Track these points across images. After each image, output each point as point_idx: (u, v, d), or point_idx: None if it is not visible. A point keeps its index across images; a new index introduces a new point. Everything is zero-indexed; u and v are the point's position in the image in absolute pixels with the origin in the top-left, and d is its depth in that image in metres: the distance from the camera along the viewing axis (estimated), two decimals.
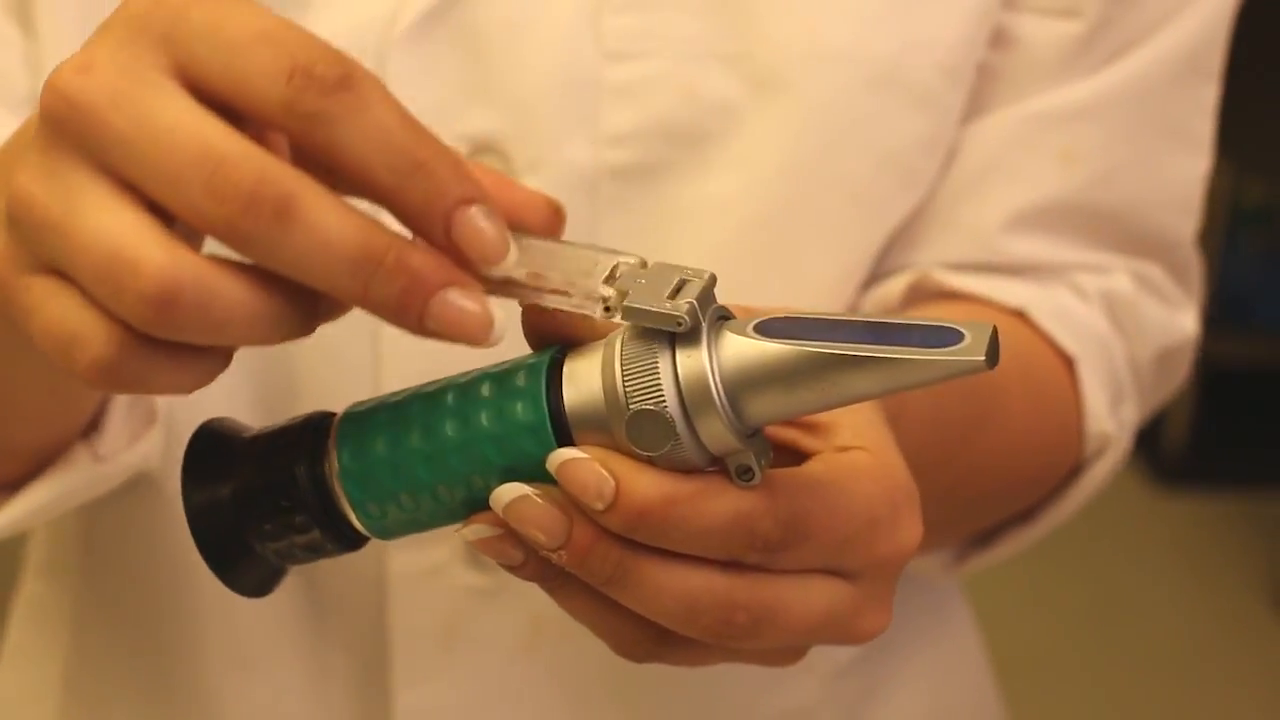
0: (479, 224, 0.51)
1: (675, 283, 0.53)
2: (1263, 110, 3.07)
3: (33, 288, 0.51)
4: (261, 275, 0.50)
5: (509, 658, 0.83)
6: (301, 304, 0.51)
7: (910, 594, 0.88)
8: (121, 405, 0.75)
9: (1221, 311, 3.40)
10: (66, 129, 0.49)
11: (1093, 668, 2.82)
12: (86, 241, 0.49)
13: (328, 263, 0.49)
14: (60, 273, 0.50)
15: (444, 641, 0.82)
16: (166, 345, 0.50)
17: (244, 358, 0.78)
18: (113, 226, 0.49)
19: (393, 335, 0.77)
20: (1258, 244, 3.46)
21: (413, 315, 0.50)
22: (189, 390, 0.52)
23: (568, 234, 0.77)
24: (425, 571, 0.82)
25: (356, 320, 0.78)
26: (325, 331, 0.78)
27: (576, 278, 0.54)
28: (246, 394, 0.80)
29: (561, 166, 0.77)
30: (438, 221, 0.51)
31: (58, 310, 0.50)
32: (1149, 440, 3.35)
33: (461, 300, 0.51)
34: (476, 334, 0.51)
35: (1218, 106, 0.88)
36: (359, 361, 0.79)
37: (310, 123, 0.49)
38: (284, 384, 0.80)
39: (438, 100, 0.77)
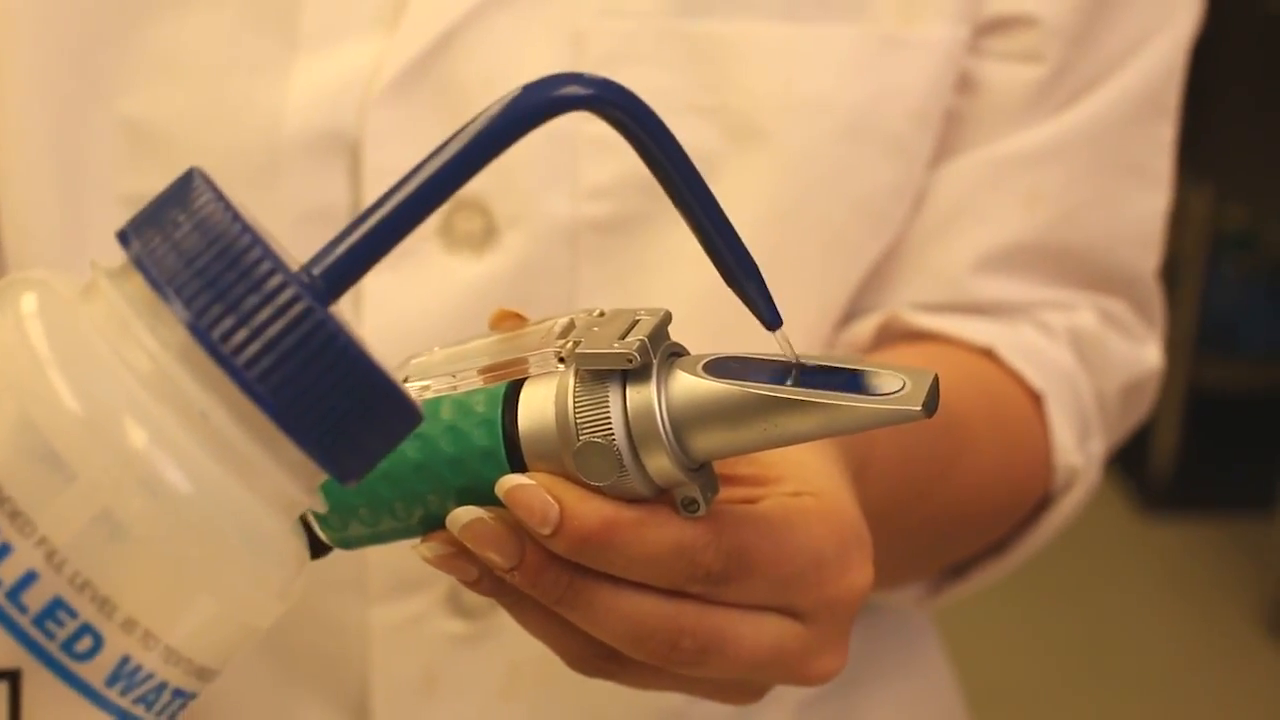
0: None
1: (629, 324, 0.55)
2: (1243, 136, 3.09)
3: None
4: None
5: (488, 703, 0.84)
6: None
7: (879, 628, 0.89)
8: None
9: (1205, 337, 3.41)
10: None
11: (1081, 694, 2.82)
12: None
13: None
14: None
15: (425, 689, 0.83)
16: None
17: None
18: None
19: None
20: (1240, 269, 3.46)
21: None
22: None
23: (549, 285, 0.79)
24: (407, 620, 0.82)
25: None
26: None
27: (535, 346, 0.56)
28: None
29: (541, 220, 0.78)
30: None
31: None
32: (1135, 466, 3.35)
33: None
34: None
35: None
36: None
37: None
38: None
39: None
